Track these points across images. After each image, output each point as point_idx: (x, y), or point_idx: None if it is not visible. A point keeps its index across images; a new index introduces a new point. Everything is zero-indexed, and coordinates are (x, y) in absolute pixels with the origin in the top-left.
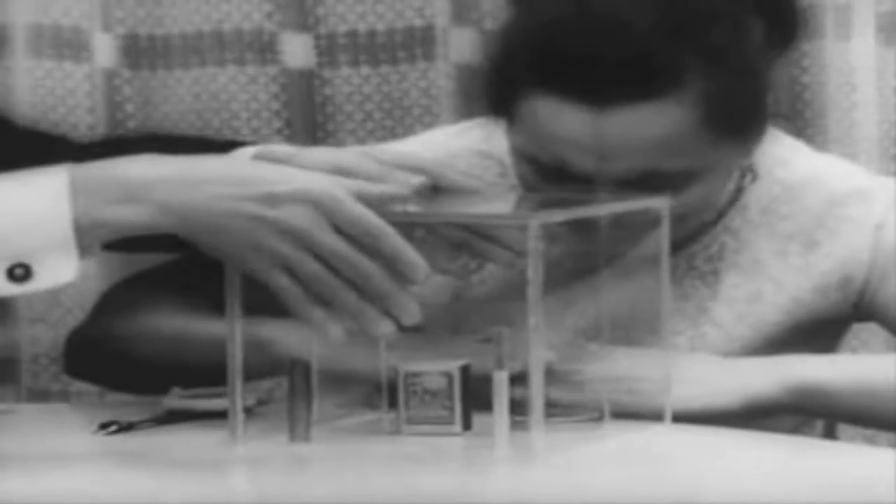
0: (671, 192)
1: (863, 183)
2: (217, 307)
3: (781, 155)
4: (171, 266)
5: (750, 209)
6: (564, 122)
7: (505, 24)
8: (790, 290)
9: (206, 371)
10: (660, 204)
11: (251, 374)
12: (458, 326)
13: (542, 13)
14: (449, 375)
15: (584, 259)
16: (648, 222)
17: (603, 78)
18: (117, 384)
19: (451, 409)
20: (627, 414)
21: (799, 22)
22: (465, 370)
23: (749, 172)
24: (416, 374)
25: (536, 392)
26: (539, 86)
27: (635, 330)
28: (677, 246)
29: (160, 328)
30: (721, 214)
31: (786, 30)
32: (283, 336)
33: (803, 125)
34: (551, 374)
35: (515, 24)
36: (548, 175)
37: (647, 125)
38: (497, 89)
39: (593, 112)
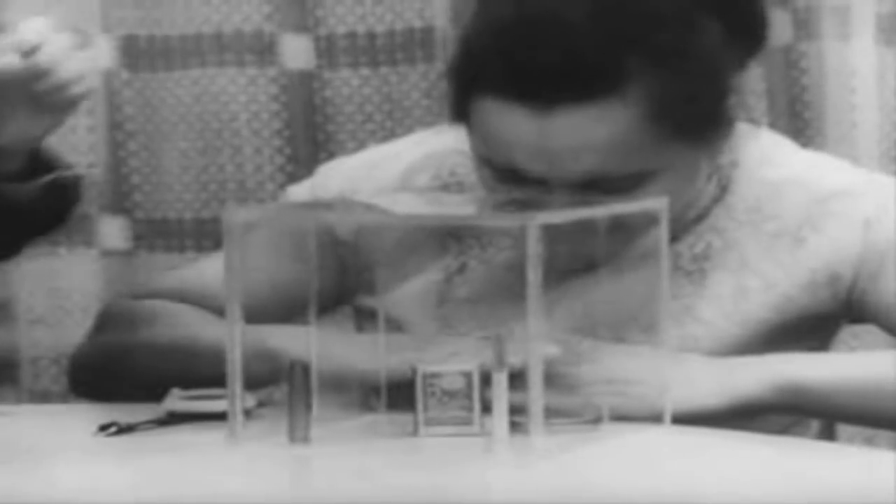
0: (625, 193)
1: (850, 179)
2: (222, 315)
3: (767, 153)
4: (172, 276)
5: (736, 207)
6: (510, 124)
7: (462, 29)
8: (778, 288)
9: (214, 380)
10: (658, 205)
11: (258, 383)
12: (447, 328)
13: (488, 17)
14: (468, 375)
15: (574, 258)
16: (642, 222)
17: (546, 80)
18: (123, 400)
19: (470, 409)
20: (623, 416)
21: (761, 26)
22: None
23: (716, 174)
24: (434, 375)
25: (535, 392)
26: (487, 89)
27: (626, 330)
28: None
29: (163, 339)
30: (706, 213)
31: (747, 33)
32: (290, 344)
33: (803, 126)
34: (546, 379)
35: (468, 29)
36: (503, 177)
37: (591, 127)
38: (453, 92)
39: (537, 115)
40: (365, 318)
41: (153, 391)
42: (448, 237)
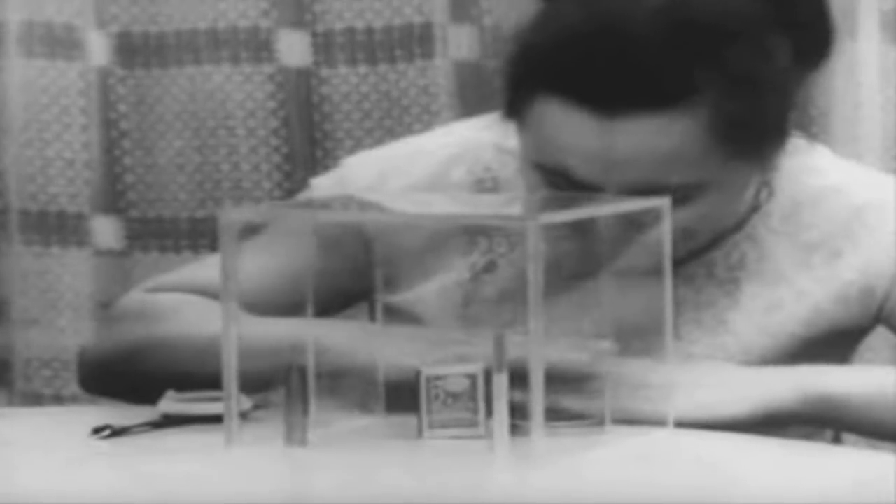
0: (678, 205)
1: (887, 192)
2: (247, 309)
3: (806, 162)
4: (188, 270)
5: (773, 217)
6: (571, 129)
7: (523, 26)
8: (811, 301)
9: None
10: (661, 203)
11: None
12: (472, 327)
13: (557, 20)
14: (472, 377)
15: (597, 260)
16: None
17: (612, 87)
18: (139, 398)
19: (475, 411)
20: (638, 421)
21: (830, 42)
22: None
23: (766, 187)
24: (438, 377)
25: (537, 394)
26: (549, 91)
27: (645, 335)
28: (697, 253)
29: (182, 334)
30: (743, 222)
31: (815, 49)
32: (331, 336)
33: (808, 123)
34: (566, 381)
35: (532, 28)
36: (553, 182)
37: (654, 138)
38: (509, 91)
39: (601, 121)
40: (381, 315)
41: (170, 387)
42: (477, 235)
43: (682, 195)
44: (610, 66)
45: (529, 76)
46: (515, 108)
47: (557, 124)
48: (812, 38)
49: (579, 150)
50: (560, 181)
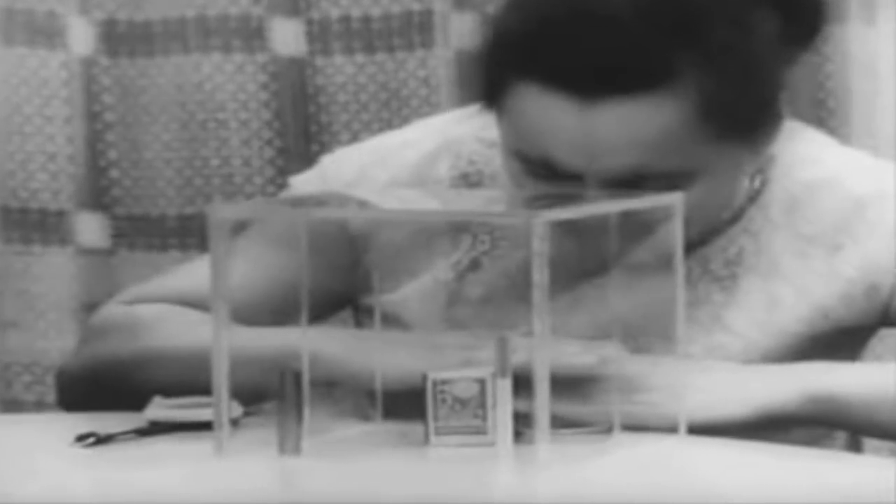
0: (667, 193)
1: (887, 183)
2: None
3: (807, 152)
4: (170, 277)
5: (771, 209)
6: (551, 114)
7: (498, 11)
8: (812, 299)
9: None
10: (672, 200)
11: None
12: (458, 330)
13: (531, 4)
14: (481, 382)
15: (593, 258)
16: (660, 220)
17: (591, 70)
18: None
19: (484, 417)
20: (637, 426)
21: (821, 17)
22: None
23: (760, 175)
24: (445, 382)
25: (542, 400)
26: (526, 77)
27: (646, 335)
28: (691, 247)
29: (167, 347)
30: (739, 214)
31: (805, 25)
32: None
33: (826, 115)
34: (562, 387)
35: (508, 11)
36: (536, 172)
37: (637, 122)
38: (487, 78)
39: (582, 105)
40: (366, 318)
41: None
42: (460, 232)
43: (670, 184)
44: (587, 48)
45: (506, 62)
46: (494, 96)
47: (537, 112)
48: (801, 13)
49: (560, 137)
50: (542, 171)
